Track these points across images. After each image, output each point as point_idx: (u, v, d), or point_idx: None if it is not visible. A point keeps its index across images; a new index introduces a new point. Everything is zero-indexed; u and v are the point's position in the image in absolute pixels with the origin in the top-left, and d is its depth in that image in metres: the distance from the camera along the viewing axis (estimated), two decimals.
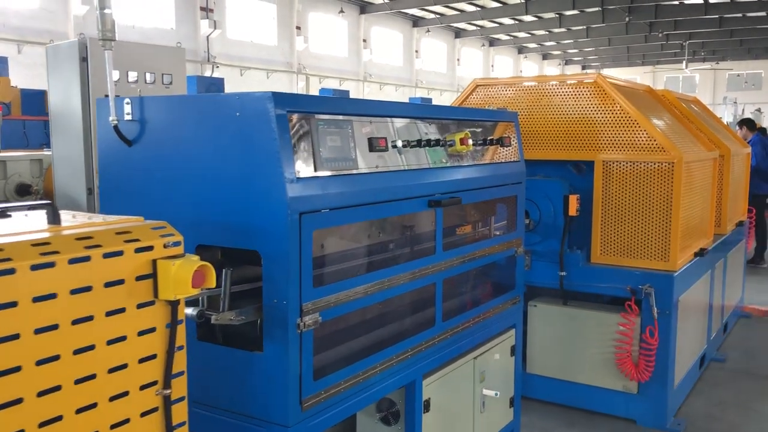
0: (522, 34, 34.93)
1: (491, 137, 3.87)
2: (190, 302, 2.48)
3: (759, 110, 31.92)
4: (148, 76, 6.29)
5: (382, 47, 30.08)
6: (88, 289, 1.70)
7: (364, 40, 28.90)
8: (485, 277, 4.20)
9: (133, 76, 6.17)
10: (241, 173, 2.48)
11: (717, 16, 28.03)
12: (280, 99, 2.41)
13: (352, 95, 3.13)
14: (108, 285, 1.74)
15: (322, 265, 2.94)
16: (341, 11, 27.53)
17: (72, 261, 1.65)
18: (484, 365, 3.83)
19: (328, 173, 2.57)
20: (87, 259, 1.69)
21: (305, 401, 2.52)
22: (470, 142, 3.51)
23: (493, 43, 37.52)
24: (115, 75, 6.72)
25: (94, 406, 1.73)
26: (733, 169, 6.43)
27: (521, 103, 5.08)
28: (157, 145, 2.72)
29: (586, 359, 4.82)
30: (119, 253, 1.77)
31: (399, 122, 3.08)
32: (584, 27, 31.41)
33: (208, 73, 22.55)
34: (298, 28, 25.95)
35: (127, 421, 1.82)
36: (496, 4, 28.28)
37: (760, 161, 9.99)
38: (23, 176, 7.30)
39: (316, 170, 2.52)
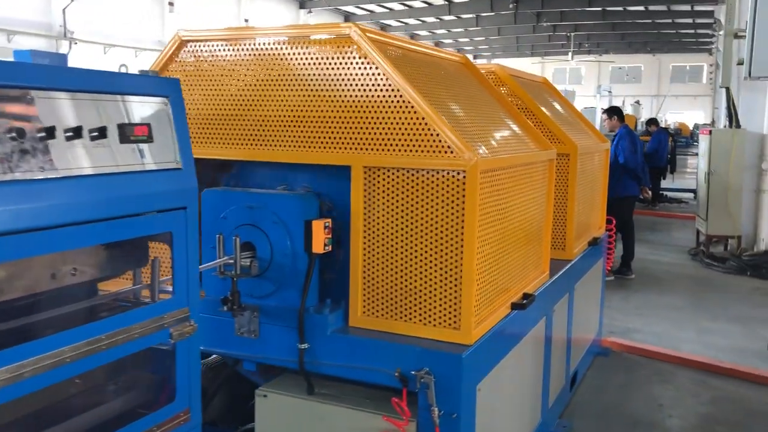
0: (412, 21, 33.38)
1: (98, 127, 2.01)
2: None
3: (638, 102, 32.72)
4: None
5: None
6: None
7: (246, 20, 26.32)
8: (92, 393, 2.35)
9: None
10: None
11: (600, 9, 27.99)
12: None
13: None
14: None
15: None
16: None
17: None
18: None
19: None
20: None
21: None
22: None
23: (383, 29, 35.81)
24: None
25: None
26: (583, 172, 4.87)
27: (254, 73, 3.25)
28: None
29: None
30: None
31: None
32: (474, 15, 30.39)
33: (64, 50, 19.62)
34: (171, 3, 23.22)
35: None
36: None
37: (628, 157, 8.56)
38: None
39: None
